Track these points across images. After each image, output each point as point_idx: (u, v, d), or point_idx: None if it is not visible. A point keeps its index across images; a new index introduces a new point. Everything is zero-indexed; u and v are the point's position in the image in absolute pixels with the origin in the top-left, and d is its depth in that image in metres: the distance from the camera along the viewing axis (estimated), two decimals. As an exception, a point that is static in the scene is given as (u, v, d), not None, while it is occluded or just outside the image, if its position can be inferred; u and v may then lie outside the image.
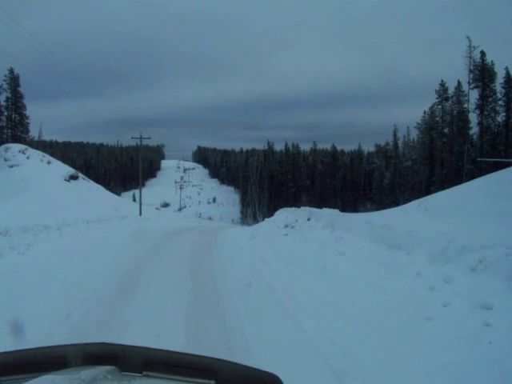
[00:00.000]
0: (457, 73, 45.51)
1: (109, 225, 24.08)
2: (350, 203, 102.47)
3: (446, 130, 46.23)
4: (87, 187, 40.56)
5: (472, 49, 41.75)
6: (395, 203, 62.98)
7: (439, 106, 46.25)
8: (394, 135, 61.83)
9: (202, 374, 1.43)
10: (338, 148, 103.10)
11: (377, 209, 74.50)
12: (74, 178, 39.50)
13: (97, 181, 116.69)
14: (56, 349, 1.60)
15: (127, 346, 1.58)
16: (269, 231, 19.17)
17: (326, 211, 18.48)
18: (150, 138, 37.14)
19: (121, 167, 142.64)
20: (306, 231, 15.08)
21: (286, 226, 17.66)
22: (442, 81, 45.88)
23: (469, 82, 41.11)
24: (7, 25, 53.74)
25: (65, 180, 37.65)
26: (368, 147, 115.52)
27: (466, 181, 38.37)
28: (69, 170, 40.40)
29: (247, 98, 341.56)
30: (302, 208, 20.10)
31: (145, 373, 1.45)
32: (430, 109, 48.54)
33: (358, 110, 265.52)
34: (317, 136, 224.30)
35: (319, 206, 74.87)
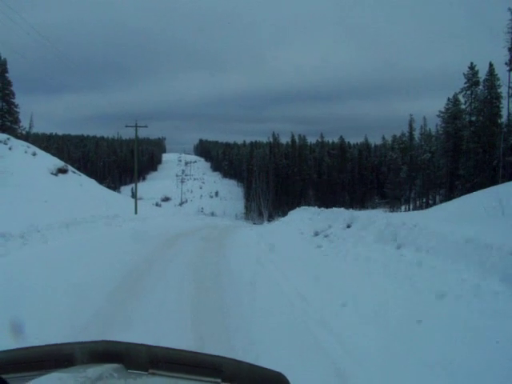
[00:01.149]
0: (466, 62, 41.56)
1: (94, 228, 20.05)
2: (358, 197, 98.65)
3: (473, 119, 42.04)
4: (77, 182, 36.51)
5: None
6: (408, 199, 58.98)
7: (468, 92, 41.94)
8: (410, 126, 57.60)
9: (207, 372, 1.42)
10: (345, 140, 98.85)
11: (390, 205, 70.45)
12: (62, 171, 35.53)
13: (95, 174, 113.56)
14: (62, 347, 1.60)
15: (133, 343, 1.56)
16: (291, 238, 15.18)
17: (363, 214, 14.40)
18: (146, 127, 33.00)
19: (120, 160, 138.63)
20: (349, 245, 11.00)
21: (317, 234, 13.61)
22: (472, 63, 41.51)
23: (508, 63, 36.40)
24: (7, 16, 49.65)
25: (51, 174, 33.64)
26: (375, 140, 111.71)
27: (503, 175, 34.68)
28: (56, 163, 36.39)
29: (249, 91, 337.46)
30: (335, 210, 16.02)
31: (150, 371, 1.44)
32: (454, 96, 44.43)
33: (362, 103, 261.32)
34: (320, 130, 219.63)
35: (326, 200, 70.85)
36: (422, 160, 52.40)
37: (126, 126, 33.52)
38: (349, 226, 12.67)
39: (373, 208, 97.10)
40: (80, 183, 36.45)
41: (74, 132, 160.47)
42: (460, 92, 41.69)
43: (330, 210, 16.78)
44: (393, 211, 57.70)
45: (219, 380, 1.39)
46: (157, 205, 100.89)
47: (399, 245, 9.10)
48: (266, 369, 1.44)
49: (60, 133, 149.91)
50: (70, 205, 26.99)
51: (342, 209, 16.91)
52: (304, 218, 18.30)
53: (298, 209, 22.84)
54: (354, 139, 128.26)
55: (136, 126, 33.31)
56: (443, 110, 45.31)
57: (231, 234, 20.74)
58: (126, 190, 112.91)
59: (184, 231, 21.55)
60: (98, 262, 10.22)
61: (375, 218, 11.73)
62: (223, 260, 11.78)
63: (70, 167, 38.77)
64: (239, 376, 1.43)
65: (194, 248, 13.59)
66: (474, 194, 18.58)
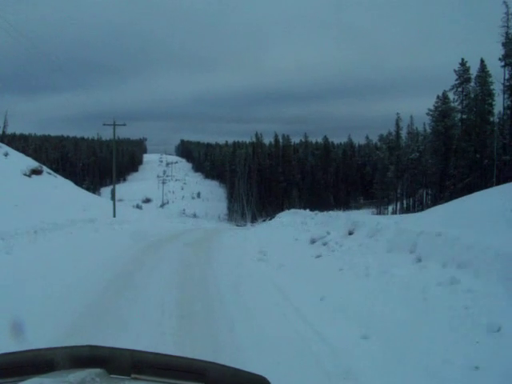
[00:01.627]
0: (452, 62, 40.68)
1: (66, 234, 18.42)
2: (342, 198, 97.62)
3: (465, 117, 40.98)
4: (52, 183, 34.57)
5: (510, 16, 35.63)
6: (395, 199, 58.05)
7: (459, 89, 40.81)
8: (397, 125, 56.50)
9: (191, 377, 1.42)
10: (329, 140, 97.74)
11: (376, 206, 69.40)
12: (36, 172, 33.61)
13: (74, 176, 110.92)
14: (43, 351, 1.56)
15: (115, 348, 1.56)
16: (284, 246, 13.78)
17: (366, 219, 13.05)
18: (124, 125, 31.33)
19: (100, 161, 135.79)
20: (355, 255, 9.61)
21: (314, 242, 12.22)
22: (463, 60, 40.42)
23: (502, 58, 35.30)
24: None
25: (24, 175, 31.69)
26: (359, 140, 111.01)
27: (498, 175, 33.72)
28: (30, 164, 34.44)
29: (232, 91, 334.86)
30: (331, 213, 14.67)
31: (133, 375, 1.43)
32: (443, 94, 43.38)
33: (346, 103, 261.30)
34: (303, 130, 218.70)
35: (311, 201, 69.61)
36: (410, 159, 51.44)
37: (104, 125, 31.76)
38: (351, 233, 11.31)
39: (357, 209, 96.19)
40: (55, 185, 34.51)
41: (53, 133, 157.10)
42: (451, 89, 40.72)
43: (324, 213, 15.44)
44: (379, 212, 56.70)
45: None
46: (137, 206, 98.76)
47: (419, 257, 7.74)
48: (250, 373, 1.45)
49: (39, 133, 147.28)
50: (43, 208, 25.21)
51: (340, 212, 15.57)
52: (296, 222, 16.93)
53: (287, 211, 21.52)
54: (337, 139, 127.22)
55: (114, 125, 31.58)
56: (432, 108, 44.40)
57: (217, 238, 19.29)
58: (106, 191, 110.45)
59: (165, 236, 20.02)
60: (53, 285, 8.25)
61: (382, 225, 10.33)
62: (209, 270, 10.35)
63: (45, 168, 36.86)
64: (223, 380, 1.42)
65: (177, 260, 12.06)
66: (476, 194, 17.31)
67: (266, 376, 1.41)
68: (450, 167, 40.88)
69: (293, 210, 21.62)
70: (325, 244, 11.52)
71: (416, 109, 56.25)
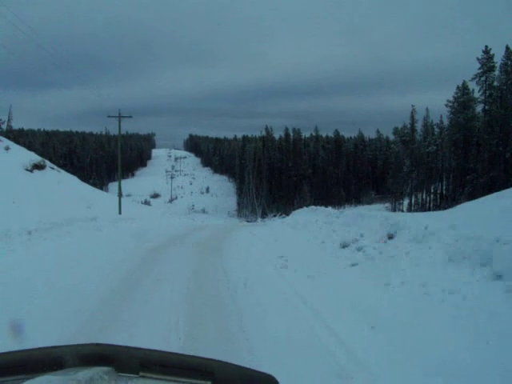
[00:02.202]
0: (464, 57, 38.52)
1: (65, 234, 16.84)
2: (353, 192, 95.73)
3: (487, 108, 38.83)
4: (56, 179, 33.03)
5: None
6: (410, 194, 55.96)
7: (482, 78, 38.71)
8: (412, 118, 54.38)
9: (198, 375, 1.42)
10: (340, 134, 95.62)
11: (390, 201, 67.20)
12: (39, 167, 32.09)
13: (82, 171, 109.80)
14: (52, 349, 1.59)
15: (123, 346, 1.58)
16: (308, 250, 12.06)
17: (407, 219, 11.22)
18: (131, 117, 29.60)
19: (108, 156, 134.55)
20: (402, 265, 7.89)
21: (345, 246, 10.48)
22: (487, 47, 38.22)
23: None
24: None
25: (26, 170, 30.16)
26: (369, 134, 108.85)
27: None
28: (33, 158, 32.89)
29: (241, 86, 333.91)
30: (362, 212, 12.80)
31: (141, 373, 1.44)
32: (463, 84, 41.30)
33: (355, 97, 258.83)
34: (312, 125, 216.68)
35: (322, 196, 67.79)
36: (426, 153, 49.39)
37: (109, 117, 30.12)
38: (391, 237, 9.56)
39: (369, 203, 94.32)
40: (58, 180, 32.98)
41: (62, 128, 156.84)
42: (473, 78, 38.51)
43: (353, 211, 13.65)
44: (394, 208, 54.78)
45: (210, 382, 1.40)
46: (146, 202, 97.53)
47: (498, 272, 5.98)
48: (257, 371, 1.46)
49: (48, 129, 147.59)
50: (43, 205, 23.70)
51: (374, 211, 13.83)
52: (318, 222, 15.18)
53: (304, 209, 19.79)
54: (347, 133, 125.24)
55: (120, 117, 29.93)
56: (451, 99, 42.25)
57: (228, 239, 17.62)
58: (114, 186, 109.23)
59: (173, 235, 18.36)
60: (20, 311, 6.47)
61: (432, 228, 8.57)
62: (224, 278, 8.70)
63: (48, 163, 35.32)
64: (230, 378, 1.43)
65: (186, 270, 10.37)
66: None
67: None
68: (470, 161, 38.89)
69: (312, 208, 19.83)
70: (360, 249, 9.77)
71: (428, 102, 54.24)
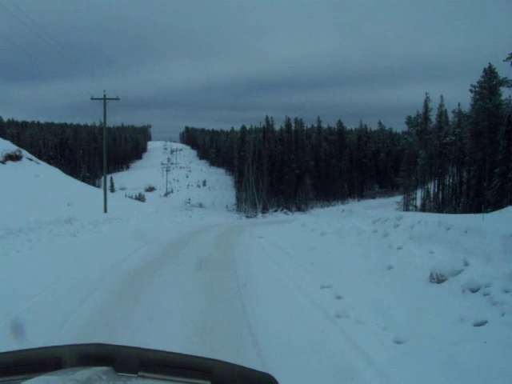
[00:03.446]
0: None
1: (27, 243, 12.88)
2: (356, 186, 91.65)
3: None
4: (33, 172, 28.94)
5: None
6: (420, 187, 51.92)
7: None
8: (425, 106, 50.06)
9: (197, 375, 1.41)
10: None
11: (404, 193, 63.00)
12: (13, 158, 28.04)
13: (74, 162, 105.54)
14: (51, 349, 1.58)
15: (122, 346, 1.57)
16: (366, 277, 8.08)
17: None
18: (117, 99, 25.34)
19: (101, 148, 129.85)
20: None
21: (443, 280, 6.46)
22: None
23: None
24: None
25: (-3, 161, 26.24)
26: (370, 126, 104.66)
27: None
28: (7, 147, 28.86)
29: (238, 78, 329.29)
30: (445, 220, 8.63)
31: (140, 373, 1.43)
32: (490, 67, 37.14)
33: (355, 90, 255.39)
34: (311, 117, 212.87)
35: (324, 190, 63.85)
36: (443, 144, 45.30)
37: (92, 99, 25.84)
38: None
39: (372, 198, 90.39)
40: (36, 173, 28.87)
41: (57, 120, 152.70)
42: (508, 58, 34.32)
43: (426, 219, 9.53)
44: (406, 204, 50.82)
45: (209, 382, 1.39)
46: (140, 196, 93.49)
47: None
48: (256, 370, 1.45)
49: (43, 121, 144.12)
50: (10, 204, 19.68)
51: (455, 217, 9.86)
52: (360, 229, 11.19)
53: (332, 209, 15.79)
54: (348, 126, 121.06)
55: (105, 99, 25.70)
56: (476, 84, 38.07)
57: (237, 246, 13.68)
58: (107, 179, 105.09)
59: (165, 246, 14.34)
60: None
61: None
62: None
63: (26, 153, 31.26)
64: (229, 378, 1.42)
65: (183, 317, 6.38)
66: None
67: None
68: (498, 152, 34.89)
69: (342, 209, 15.87)
70: (477, 290, 5.78)
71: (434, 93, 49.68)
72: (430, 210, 44.08)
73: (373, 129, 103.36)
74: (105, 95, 25.65)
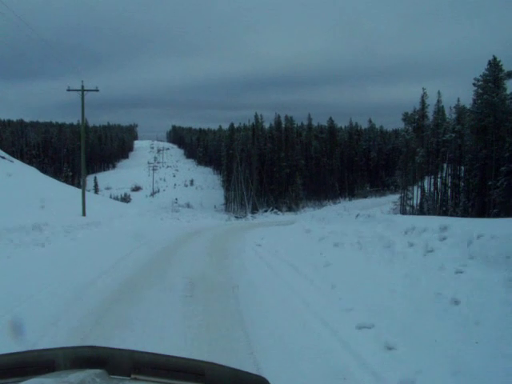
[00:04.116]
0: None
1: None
2: (347, 185, 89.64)
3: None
4: (5, 171, 26.45)
5: None
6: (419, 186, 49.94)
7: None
8: (422, 102, 48.03)
9: (190, 377, 1.41)
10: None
11: (400, 192, 61.05)
12: (-18, 156, 25.61)
13: (58, 161, 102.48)
14: (44, 352, 1.57)
15: (116, 349, 1.55)
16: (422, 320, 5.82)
17: None
18: (97, 91, 22.78)
19: (86, 147, 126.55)
20: None
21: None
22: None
23: None
24: None
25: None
26: (361, 124, 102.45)
27: None
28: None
29: (226, 77, 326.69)
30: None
31: (133, 376, 1.42)
32: (494, 59, 35.25)
33: (343, 89, 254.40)
34: (300, 116, 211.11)
35: (315, 188, 61.82)
36: (442, 141, 43.38)
37: (68, 90, 23.40)
38: None
39: (364, 197, 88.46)
40: (9, 172, 26.36)
41: (42, 119, 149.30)
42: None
43: (473, 229, 7.37)
44: (402, 204, 48.87)
45: None
46: (125, 196, 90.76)
47: None
48: (249, 373, 1.44)
49: (28, 120, 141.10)
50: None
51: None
52: (392, 241, 9.01)
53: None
54: (338, 124, 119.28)
55: (82, 90, 23.26)
56: (479, 77, 36.14)
57: (234, 270, 11.51)
58: (89, 179, 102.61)
59: (149, 258, 12.10)
60: None
61: None
62: None
63: (-3, 151, 28.72)
64: (222, 380, 1.41)
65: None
66: None
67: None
68: (504, 150, 33.00)
69: (358, 215, 13.65)
70: None
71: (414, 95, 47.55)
72: (429, 211, 42.18)
73: (363, 127, 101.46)
74: (83, 86, 23.19)
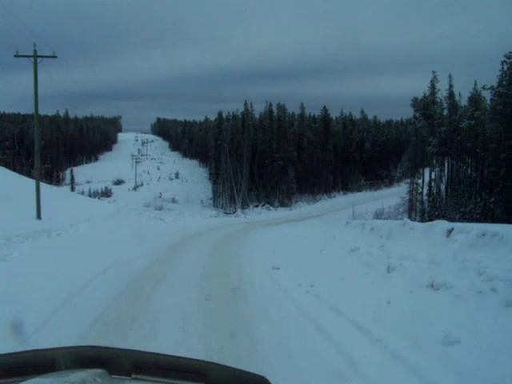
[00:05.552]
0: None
1: None
2: (341, 178, 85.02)
3: None
4: None
5: None
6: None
7: None
8: (432, 87, 43.38)
9: (191, 377, 1.41)
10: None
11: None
12: None
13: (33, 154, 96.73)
14: (45, 352, 1.57)
15: (116, 348, 1.55)
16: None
17: None
18: (55, 57, 17.51)
19: (66, 139, 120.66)
20: None
21: None
22: None
23: None
24: None
25: None
26: (354, 115, 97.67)
27: None
28: None
29: (212, 68, 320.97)
30: None
31: (134, 376, 1.41)
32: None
33: (334, 80, 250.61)
34: (289, 107, 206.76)
35: (309, 181, 57.00)
36: (458, 129, 38.86)
37: (16, 56, 18.19)
38: None
39: (359, 190, 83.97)
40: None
41: (24, 111, 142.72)
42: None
43: None
44: (411, 199, 44.27)
45: None
46: (106, 190, 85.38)
47: None
48: (250, 373, 1.44)
49: (8, 111, 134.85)
50: None
51: None
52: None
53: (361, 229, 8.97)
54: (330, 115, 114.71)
55: (35, 56, 18.05)
56: (509, 53, 31.56)
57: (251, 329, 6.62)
58: (68, 172, 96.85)
59: (119, 290, 7.21)
60: None
61: None
62: None
63: None
64: (223, 380, 1.41)
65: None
66: None
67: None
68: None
69: (396, 223, 8.83)
70: None
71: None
72: (446, 208, 37.65)
73: (356, 118, 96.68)
74: (35, 50, 17.98)
